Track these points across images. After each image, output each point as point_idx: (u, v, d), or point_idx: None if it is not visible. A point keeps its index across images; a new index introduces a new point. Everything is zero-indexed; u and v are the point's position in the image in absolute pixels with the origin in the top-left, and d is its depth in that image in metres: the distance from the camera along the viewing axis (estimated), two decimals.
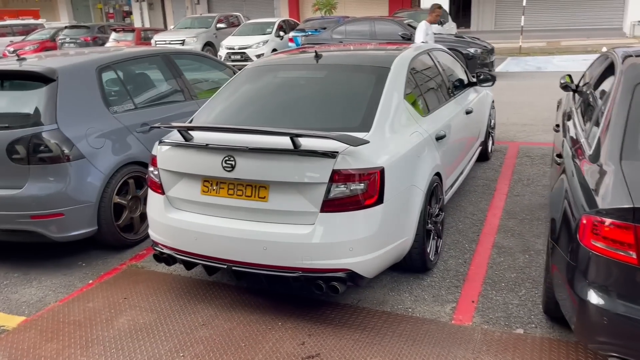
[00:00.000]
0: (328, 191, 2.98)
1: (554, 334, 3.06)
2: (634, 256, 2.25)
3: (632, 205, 2.25)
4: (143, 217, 4.58)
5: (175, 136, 3.45)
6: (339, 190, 2.97)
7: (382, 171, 3.05)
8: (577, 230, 2.50)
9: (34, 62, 4.49)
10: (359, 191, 2.99)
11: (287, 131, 3.01)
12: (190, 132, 3.34)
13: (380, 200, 3.06)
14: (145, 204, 4.55)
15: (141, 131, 4.56)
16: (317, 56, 4.02)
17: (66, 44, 20.51)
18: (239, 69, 4.80)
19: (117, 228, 4.31)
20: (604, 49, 16.81)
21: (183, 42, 17.99)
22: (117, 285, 3.85)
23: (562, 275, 2.66)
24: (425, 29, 8.74)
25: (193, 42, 18.15)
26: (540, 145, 6.85)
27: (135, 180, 4.47)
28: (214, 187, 3.23)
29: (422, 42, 8.25)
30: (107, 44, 19.67)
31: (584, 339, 2.55)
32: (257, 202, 3.12)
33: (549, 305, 3.08)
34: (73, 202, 4.02)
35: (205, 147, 3.20)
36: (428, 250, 3.69)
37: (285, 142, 3.03)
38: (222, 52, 17.09)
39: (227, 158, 3.11)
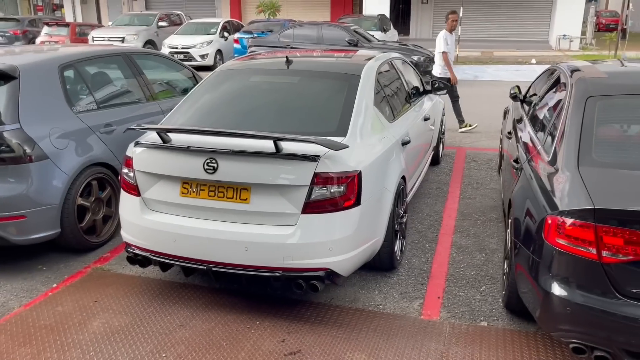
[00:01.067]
0: (309, 193, 3.09)
1: (515, 326, 3.32)
2: (594, 252, 2.52)
3: (592, 207, 2.52)
4: (106, 219, 4.51)
5: (152, 137, 3.45)
6: (320, 192, 3.10)
7: (359, 174, 3.20)
8: (541, 229, 2.76)
9: None
10: (339, 193, 3.13)
11: (270, 135, 3.10)
12: (168, 133, 3.35)
13: (357, 202, 3.21)
14: (108, 206, 4.50)
15: (105, 132, 4.48)
16: (288, 62, 4.13)
17: None
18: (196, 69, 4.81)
19: (80, 231, 4.22)
20: (534, 61, 17.94)
21: (123, 40, 17.48)
22: (84, 289, 3.78)
23: (526, 270, 2.91)
24: (445, 38, 8.18)
25: (133, 40, 17.67)
26: (486, 151, 7.26)
27: (98, 181, 4.38)
28: (194, 189, 3.26)
29: (443, 51, 8.08)
30: (39, 39, 18.78)
31: (548, 328, 2.80)
32: (239, 203, 3.19)
33: (510, 299, 3.34)
34: (36, 204, 3.91)
35: (186, 149, 3.23)
36: (395, 250, 3.89)
37: (267, 145, 3.12)
38: (165, 51, 16.74)
39: (208, 160, 3.16)
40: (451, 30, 8.29)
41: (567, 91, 3.52)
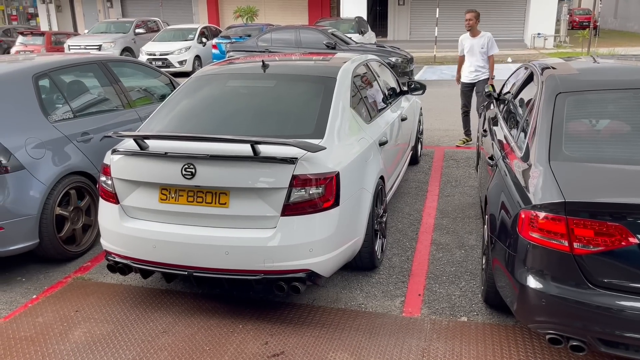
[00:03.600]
0: (288, 196, 3.12)
1: (494, 320, 3.38)
2: (566, 244, 2.59)
3: (563, 200, 2.59)
4: (85, 228, 4.48)
5: (129, 144, 3.44)
6: (299, 194, 3.13)
7: (337, 175, 3.24)
8: (515, 224, 2.82)
9: None
10: (318, 195, 3.16)
11: (247, 139, 3.12)
12: (145, 140, 3.35)
13: (336, 203, 3.24)
14: (87, 214, 4.47)
15: (82, 140, 4.46)
16: (264, 66, 4.15)
17: None
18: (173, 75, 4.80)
19: (59, 240, 4.18)
20: (509, 60, 18.20)
21: (100, 48, 17.34)
22: (65, 299, 3.75)
23: (502, 265, 2.97)
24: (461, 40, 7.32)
25: (110, 48, 17.54)
26: (464, 150, 7.36)
27: (76, 190, 4.36)
28: (173, 195, 3.27)
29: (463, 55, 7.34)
30: (14, 49, 18.53)
31: (525, 320, 2.86)
32: (218, 208, 3.20)
33: (489, 294, 3.40)
34: (13, 215, 3.87)
35: (164, 155, 3.23)
36: (376, 249, 3.93)
37: (244, 149, 3.14)
38: (142, 59, 16.63)
39: (186, 166, 3.17)
40: (472, 35, 7.13)
41: (538, 88, 3.60)
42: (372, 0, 25.62)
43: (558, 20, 23.63)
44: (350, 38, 15.05)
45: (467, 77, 7.31)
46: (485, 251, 3.54)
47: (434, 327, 3.31)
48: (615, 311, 2.51)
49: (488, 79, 7.10)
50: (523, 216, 2.74)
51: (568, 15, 24.97)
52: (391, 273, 4.01)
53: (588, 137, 3.24)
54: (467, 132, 7.57)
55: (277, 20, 23.84)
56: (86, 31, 22.10)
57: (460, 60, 7.44)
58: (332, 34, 14.00)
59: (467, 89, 7.37)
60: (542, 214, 2.66)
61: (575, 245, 2.57)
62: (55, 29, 29.27)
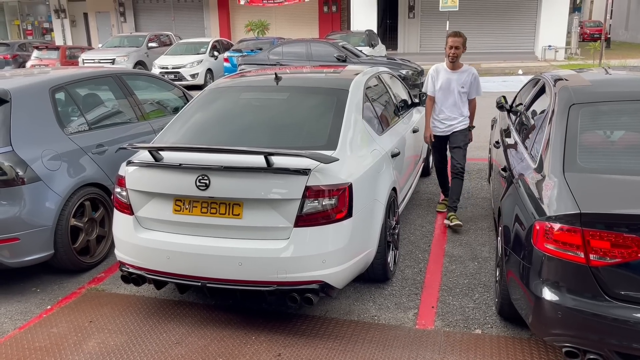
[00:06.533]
0: (301, 207, 3.13)
1: (508, 333, 3.35)
2: (582, 256, 2.57)
3: (579, 211, 2.57)
4: (99, 239, 4.52)
5: (144, 156, 3.48)
6: (312, 205, 3.13)
7: (350, 187, 3.24)
8: (530, 235, 2.80)
9: None
10: (331, 206, 3.16)
11: (260, 150, 3.15)
12: (159, 152, 3.39)
13: (349, 214, 3.24)
14: (101, 226, 4.51)
15: (97, 152, 4.51)
16: (277, 78, 4.19)
17: None
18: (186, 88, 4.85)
19: (73, 251, 4.22)
20: (520, 72, 18.18)
21: (113, 61, 17.57)
22: (79, 310, 3.77)
23: (517, 277, 2.95)
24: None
25: (124, 61, 17.76)
26: (476, 161, 7.33)
27: (91, 202, 4.40)
28: (187, 206, 3.29)
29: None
30: (29, 63, 18.84)
31: (540, 333, 2.83)
32: (232, 219, 3.21)
33: (503, 307, 3.37)
34: (29, 226, 3.92)
35: (178, 167, 3.26)
36: (388, 261, 3.92)
37: (258, 160, 3.16)
38: (155, 72, 16.82)
39: (201, 177, 3.19)
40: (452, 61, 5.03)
41: (550, 100, 3.60)
42: (382, 13, 25.77)
43: (569, 33, 23.59)
44: (360, 51, 15.12)
45: (437, 127, 5.12)
46: (499, 263, 3.52)
47: (448, 340, 3.28)
48: (633, 324, 2.48)
49: (468, 129, 5.11)
50: (538, 227, 2.73)
51: (579, 28, 24.89)
52: (404, 285, 3.99)
53: (602, 148, 3.23)
54: (447, 192, 5.41)
55: (288, 34, 24.02)
56: (100, 45, 22.43)
57: (429, 104, 5.15)
58: (343, 47, 14.08)
59: (440, 144, 5.23)
60: (557, 226, 2.64)
61: (592, 257, 2.55)
62: (69, 43, 29.71)
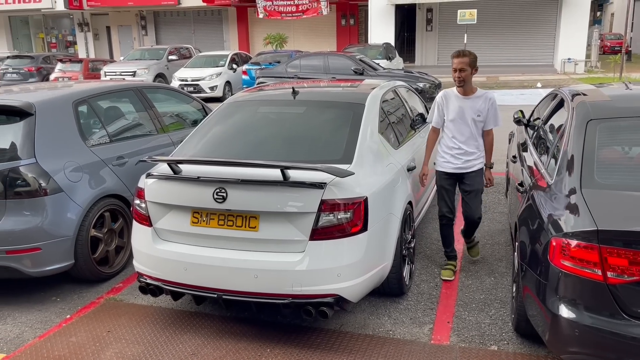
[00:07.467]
0: (317, 220, 3.15)
1: (525, 349, 3.31)
2: (599, 273, 2.55)
3: (596, 228, 2.55)
4: (118, 250, 4.59)
5: (163, 169, 3.54)
6: (327, 219, 3.16)
7: (365, 200, 3.26)
8: (546, 251, 2.79)
9: (9, 96, 4.47)
10: (346, 219, 3.18)
11: (277, 164, 3.19)
12: (178, 164, 3.45)
13: (365, 228, 3.26)
14: (120, 237, 4.58)
15: (117, 164, 4.60)
16: (294, 92, 4.24)
17: (9, 75, 19.91)
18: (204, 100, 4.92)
19: (93, 262, 4.29)
20: (539, 85, 18.05)
21: (134, 74, 17.86)
22: (98, 319, 3.83)
23: (533, 293, 2.93)
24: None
25: (144, 74, 18.04)
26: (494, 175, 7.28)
27: (110, 213, 4.48)
28: (204, 218, 3.34)
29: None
30: (53, 75, 19.25)
31: (557, 350, 2.80)
32: (248, 231, 3.25)
33: (520, 323, 3.34)
34: (50, 236, 4.00)
35: (196, 180, 3.32)
36: (404, 275, 3.91)
37: (274, 174, 3.20)
38: (175, 84, 17.07)
39: (218, 190, 3.24)
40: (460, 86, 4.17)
41: (568, 115, 3.58)
42: (400, 26, 25.85)
43: (589, 45, 23.40)
44: (378, 64, 15.18)
45: (449, 163, 4.22)
46: (515, 279, 3.50)
47: (464, 356, 3.26)
48: None
49: (483, 169, 4.28)
50: (554, 244, 2.71)
51: (599, 40, 24.69)
52: (419, 299, 3.97)
53: (620, 165, 3.21)
54: (451, 251, 4.45)
55: (306, 47, 24.23)
56: (122, 58, 22.86)
57: (432, 138, 4.39)
58: (360, 60, 14.15)
59: (450, 184, 4.30)
60: (574, 242, 2.63)
61: (609, 274, 2.52)
62: (92, 56, 30.33)
